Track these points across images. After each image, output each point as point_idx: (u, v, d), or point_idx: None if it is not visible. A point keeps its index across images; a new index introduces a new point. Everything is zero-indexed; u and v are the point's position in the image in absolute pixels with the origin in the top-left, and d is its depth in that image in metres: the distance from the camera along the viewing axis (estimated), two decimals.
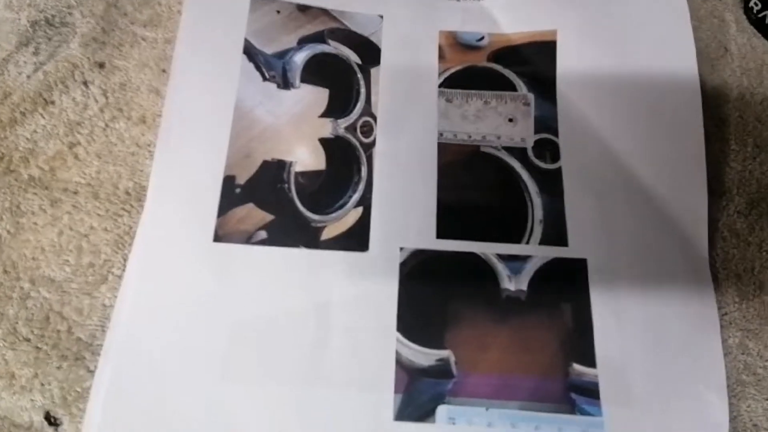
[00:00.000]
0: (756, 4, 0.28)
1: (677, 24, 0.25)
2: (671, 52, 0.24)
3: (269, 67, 0.24)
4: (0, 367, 0.20)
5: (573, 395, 0.19)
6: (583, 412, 0.19)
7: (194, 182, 0.21)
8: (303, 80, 0.24)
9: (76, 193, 0.22)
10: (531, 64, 0.24)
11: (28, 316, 0.21)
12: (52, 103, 0.24)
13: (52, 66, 0.25)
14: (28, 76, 0.25)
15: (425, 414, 0.19)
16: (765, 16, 0.28)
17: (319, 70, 0.24)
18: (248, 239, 0.21)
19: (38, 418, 0.20)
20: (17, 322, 0.20)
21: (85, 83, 0.24)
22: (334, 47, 0.25)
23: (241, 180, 0.22)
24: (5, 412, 0.20)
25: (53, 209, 0.22)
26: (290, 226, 0.21)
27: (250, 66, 0.24)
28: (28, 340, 0.20)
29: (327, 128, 0.23)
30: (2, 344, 0.20)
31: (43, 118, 0.24)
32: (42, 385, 0.20)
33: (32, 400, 0.20)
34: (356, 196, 0.22)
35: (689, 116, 0.23)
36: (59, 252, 0.21)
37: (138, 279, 0.20)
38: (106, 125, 0.24)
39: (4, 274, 0.21)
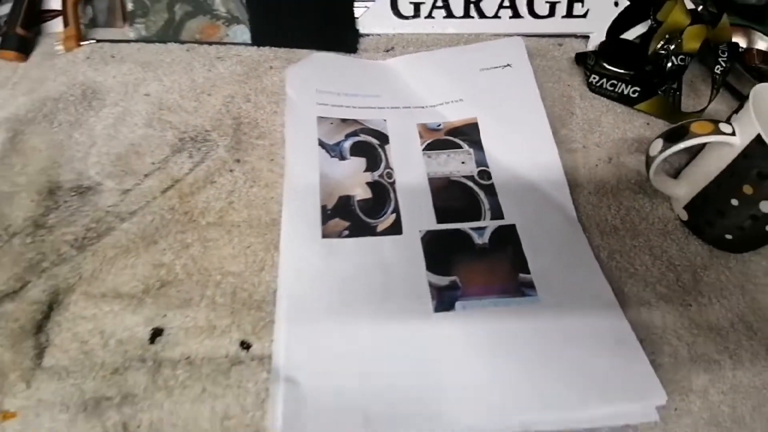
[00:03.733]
0: (594, 78, 0.51)
1: (533, 107, 0.48)
2: (528, 123, 0.47)
3: (332, 150, 0.44)
4: (204, 324, 0.35)
5: (522, 288, 0.37)
6: (527, 295, 0.37)
7: (306, 211, 0.40)
8: (351, 155, 0.44)
9: (239, 226, 0.40)
10: (468, 135, 0.47)
11: (222, 292, 0.37)
12: (214, 183, 0.43)
13: (207, 164, 0.44)
14: (190, 170, 0.44)
15: (449, 307, 0.36)
16: (602, 83, 0.51)
17: (358, 150, 0.45)
18: (339, 235, 0.39)
19: (234, 348, 0.35)
20: (215, 297, 0.36)
21: (231, 171, 0.44)
22: (363, 137, 0.46)
23: (330, 207, 0.41)
24: (208, 352, 0.35)
25: (228, 236, 0.39)
26: (359, 226, 0.40)
27: (323, 151, 0.44)
28: (225, 305, 0.36)
29: (368, 177, 0.43)
30: (206, 309, 0.36)
31: (210, 191, 0.42)
32: (237, 326, 0.35)
33: (230, 338, 0.35)
34: (390, 209, 0.41)
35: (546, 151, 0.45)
36: (235, 256, 0.38)
37: (284, 263, 0.37)
38: (248, 190, 0.42)
39: (199, 274, 0.38)
